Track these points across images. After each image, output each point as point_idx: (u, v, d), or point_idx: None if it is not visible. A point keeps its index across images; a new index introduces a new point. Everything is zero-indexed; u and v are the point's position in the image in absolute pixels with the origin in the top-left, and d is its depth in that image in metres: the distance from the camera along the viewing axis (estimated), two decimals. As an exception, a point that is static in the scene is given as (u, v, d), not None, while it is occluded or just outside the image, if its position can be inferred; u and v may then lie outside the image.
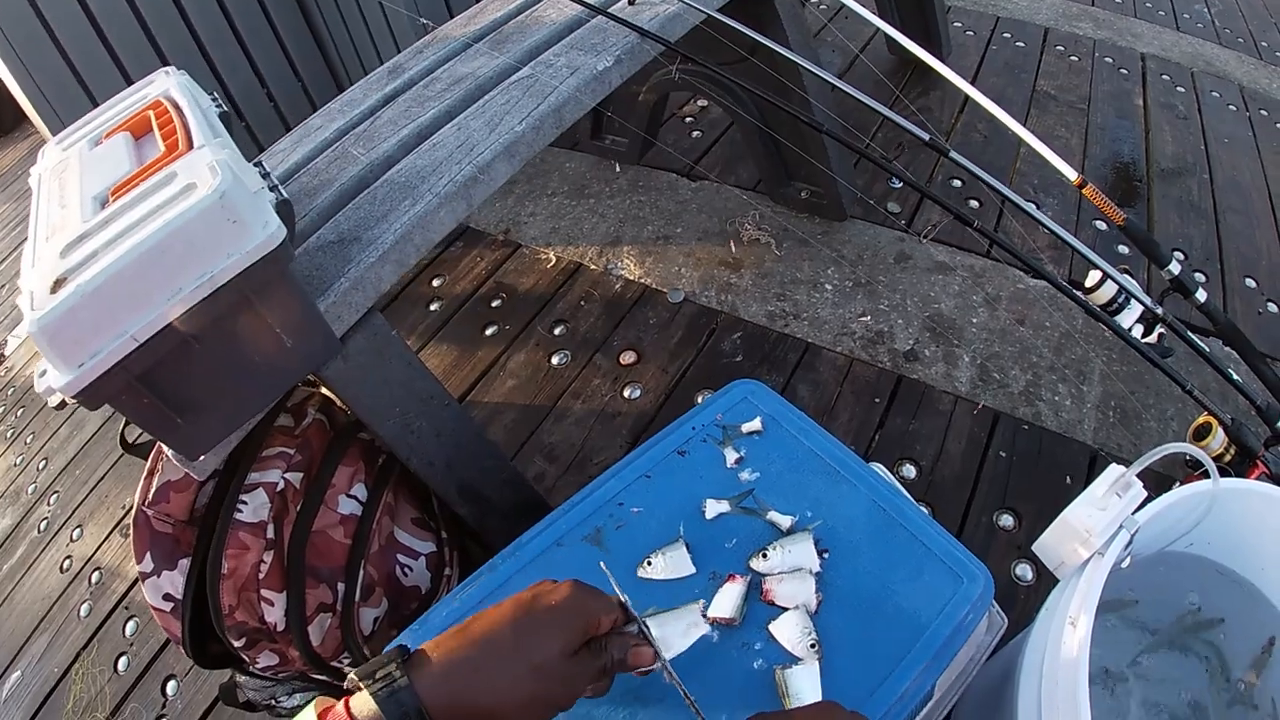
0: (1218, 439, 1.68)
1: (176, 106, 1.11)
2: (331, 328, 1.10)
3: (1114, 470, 1.04)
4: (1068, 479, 1.89)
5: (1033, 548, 1.08)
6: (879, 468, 1.23)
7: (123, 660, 2.01)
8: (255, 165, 1.07)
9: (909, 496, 1.12)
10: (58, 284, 0.85)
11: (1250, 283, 2.52)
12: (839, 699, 0.84)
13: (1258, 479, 1.64)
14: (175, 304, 0.86)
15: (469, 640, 0.70)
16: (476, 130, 1.39)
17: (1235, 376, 1.66)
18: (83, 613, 2.16)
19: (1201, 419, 1.72)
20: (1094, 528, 1.00)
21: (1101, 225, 2.64)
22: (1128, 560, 1.08)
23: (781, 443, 1.12)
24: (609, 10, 1.67)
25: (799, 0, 2.25)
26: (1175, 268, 1.61)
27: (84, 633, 2.11)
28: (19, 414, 3.01)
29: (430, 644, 0.71)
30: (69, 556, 2.34)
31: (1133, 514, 1.03)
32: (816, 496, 1.05)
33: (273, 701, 1.55)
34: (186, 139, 1.01)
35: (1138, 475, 1.01)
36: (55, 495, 2.54)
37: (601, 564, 0.85)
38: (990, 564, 1.67)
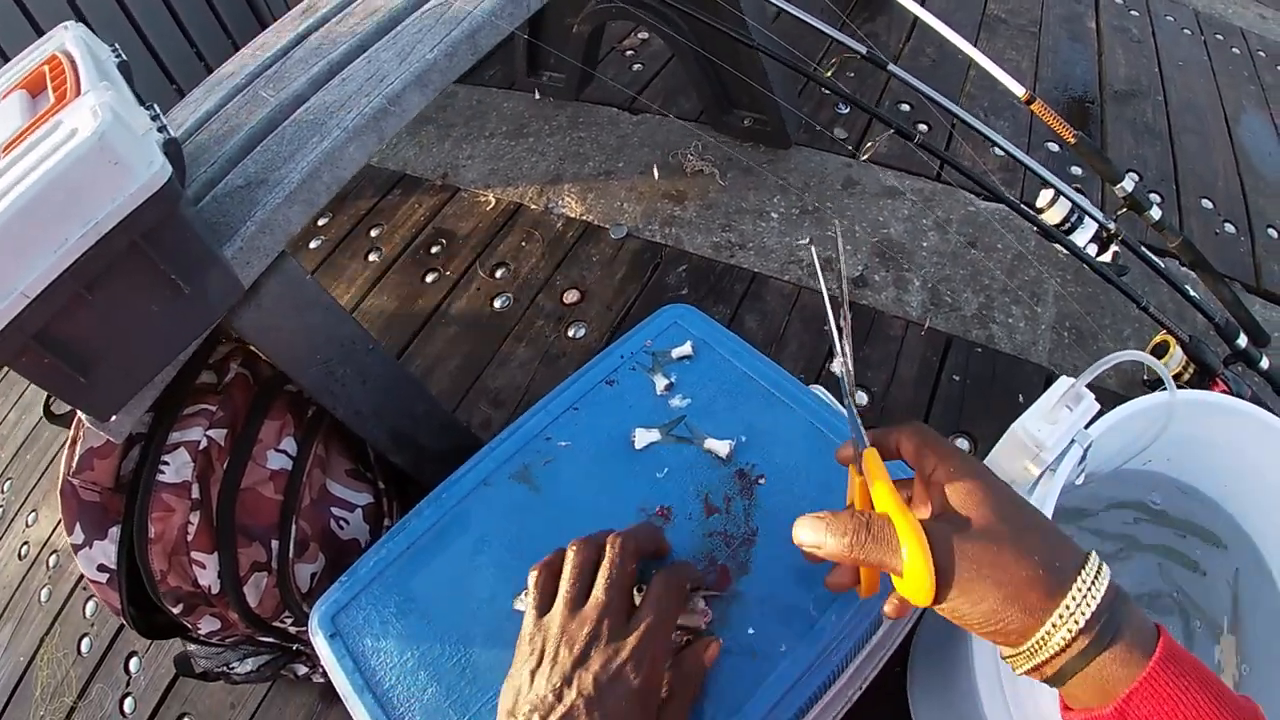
0: (1175, 357, 1.69)
1: (70, 58, 1.08)
2: (238, 274, 1.07)
3: (1064, 382, 1.02)
4: (1022, 400, 1.89)
5: (984, 462, 1.06)
6: (820, 389, 1.22)
7: (85, 641, 1.99)
8: (147, 108, 1.04)
9: (851, 416, 1.12)
10: (-55, 248, 0.82)
11: (1207, 203, 2.53)
12: (783, 630, 0.84)
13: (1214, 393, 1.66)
14: (62, 254, 0.84)
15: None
16: (387, 61, 1.35)
17: (1193, 293, 1.67)
18: (43, 598, 2.13)
19: (1159, 337, 1.73)
20: (1044, 442, 0.99)
21: (1054, 147, 2.63)
22: (1081, 477, 1.07)
23: (714, 367, 1.10)
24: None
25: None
26: (1129, 185, 1.61)
27: (46, 618, 2.09)
28: None
29: None
30: (26, 542, 2.30)
31: (1085, 427, 1.01)
32: (751, 421, 1.03)
33: (226, 669, 1.54)
34: (76, 87, 0.98)
35: (1092, 389, 1.00)
36: (9, 482, 2.50)
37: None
38: (948, 492, 1.68)
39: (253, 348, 1.29)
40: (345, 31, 1.51)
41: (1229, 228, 2.46)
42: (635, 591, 0.78)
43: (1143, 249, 1.60)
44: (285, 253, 1.17)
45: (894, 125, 1.55)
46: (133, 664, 1.90)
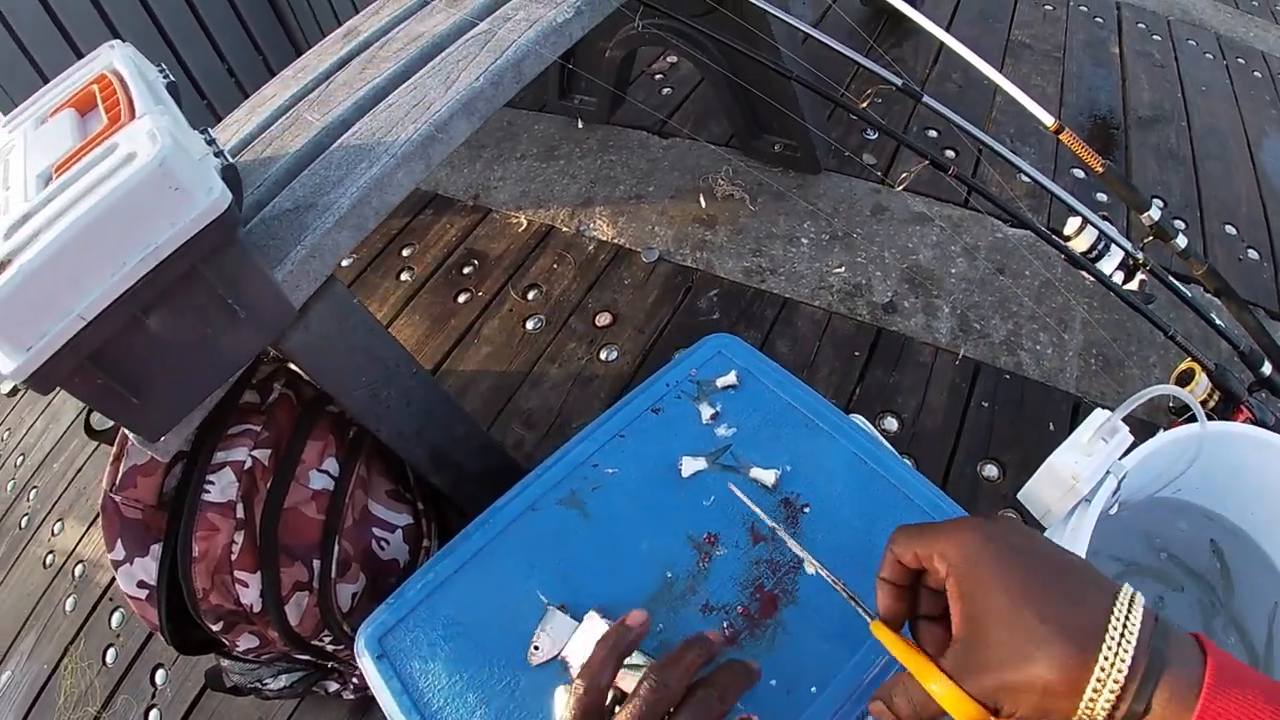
0: (1201, 385, 1.68)
1: (120, 78, 1.08)
2: (289, 297, 1.07)
3: (1099, 415, 1.03)
4: (1050, 427, 1.88)
5: (1018, 496, 1.07)
6: (859, 419, 1.21)
7: (110, 652, 1.99)
8: (201, 132, 1.04)
9: (890, 448, 1.10)
10: (2, 266, 0.82)
11: (1230, 229, 2.52)
12: (823, 654, 0.83)
13: (1242, 424, 1.64)
14: (121, 278, 0.83)
15: None
16: (433, 88, 1.35)
17: (1218, 321, 1.66)
18: (68, 607, 2.14)
19: (1184, 365, 1.72)
20: (1080, 474, 0.99)
21: (1079, 174, 2.63)
22: (1115, 507, 1.07)
23: (758, 397, 1.09)
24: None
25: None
26: (1155, 213, 1.60)
27: (70, 627, 2.09)
28: None
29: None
30: (51, 551, 2.31)
31: (1119, 459, 1.02)
32: (795, 449, 1.02)
33: (259, 684, 1.53)
34: (129, 109, 0.98)
35: (1124, 420, 1.00)
36: (34, 491, 2.51)
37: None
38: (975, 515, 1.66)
39: (298, 370, 1.29)
40: (389, 56, 1.51)
41: (1252, 254, 2.45)
42: None
43: (1169, 278, 1.59)
44: (333, 276, 1.17)
45: (928, 156, 1.55)
46: (159, 676, 1.91)
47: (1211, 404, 1.68)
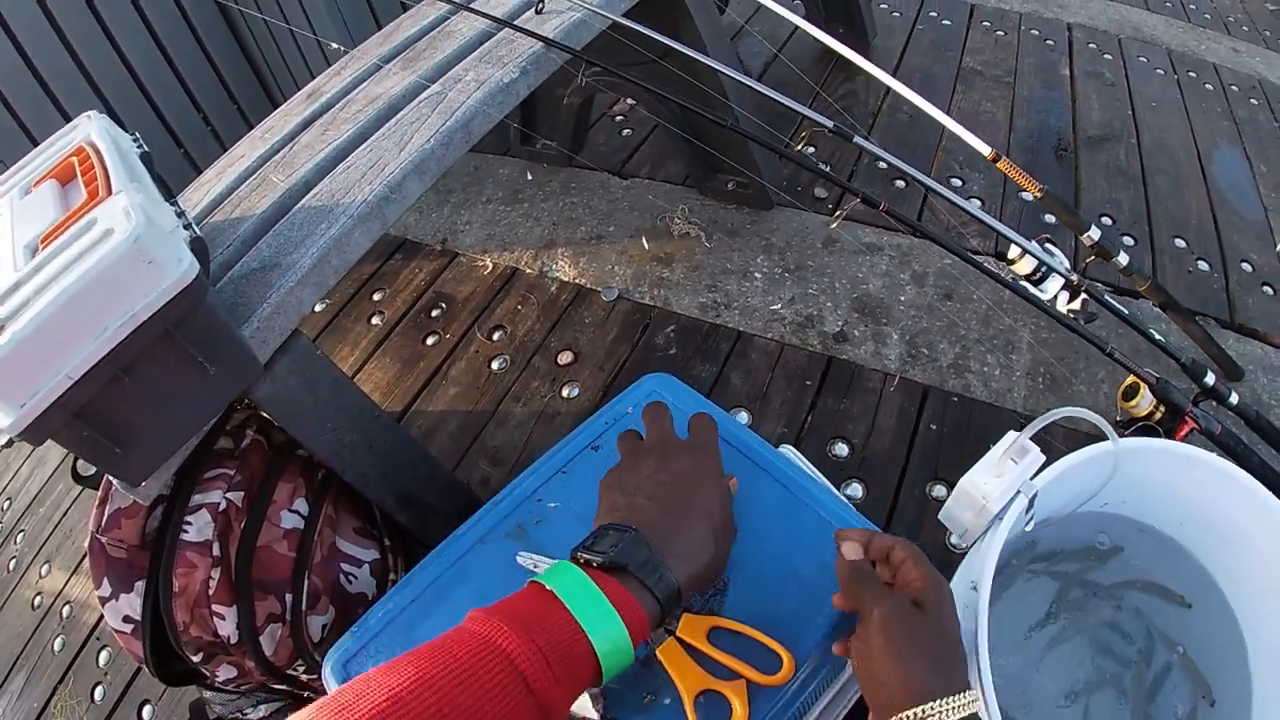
0: (1146, 398, 1.79)
1: (98, 152, 1.20)
2: (255, 352, 1.19)
3: (1009, 436, 1.11)
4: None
5: (939, 516, 1.15)
6: (788, 449, 1.32)
7: (99, 690, 2.07)
8: (171, 204, 1.16)
9: (818, 478, 1.22)
10: (-4, 332, 0.93)
11: (1180, 243, 2.63)
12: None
13: (1188, 434, 1.75)
14: (103, 342, 0.95)
15: (669, 512, 0.90)
16: (387, 150, 1.47)
17: (1157, 336, 1.76)
18: (56, 647, 2.22)
19: (1129, 380, 1.83)
20: (990, 494, 1.06)
21: (1028, 196, 2.75)
22: (1030, 524, 1.14)
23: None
24: (514, 22, 1.76)
25: (714, 2, 2.35)
26: (1095, 233, 1.72)
27: (59, 667, 2.18)
28: None
29: (619, 517, 0.90)
30: (39, 593, 2.39)
31: (1031, 479, 1.09)
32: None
33: (240, 714, 1.63)
34: (106, 184, 1.10)
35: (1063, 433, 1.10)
36: (21, 534, 2.59)
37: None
38: (925, 534, 1.79)
39: (268, 417, 1.40)
40: (348, 118, 1.63)
41: (1202, 265, 2.56)
42: None
43: (1107, 297, 1.70)
44: (298, 331, 1.29)
45: (859, 194, 1.66)
46: (146, 712, 1.99)
47: (1158, 416, 1.80)
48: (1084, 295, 1.68)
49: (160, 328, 0.99)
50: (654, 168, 2.93)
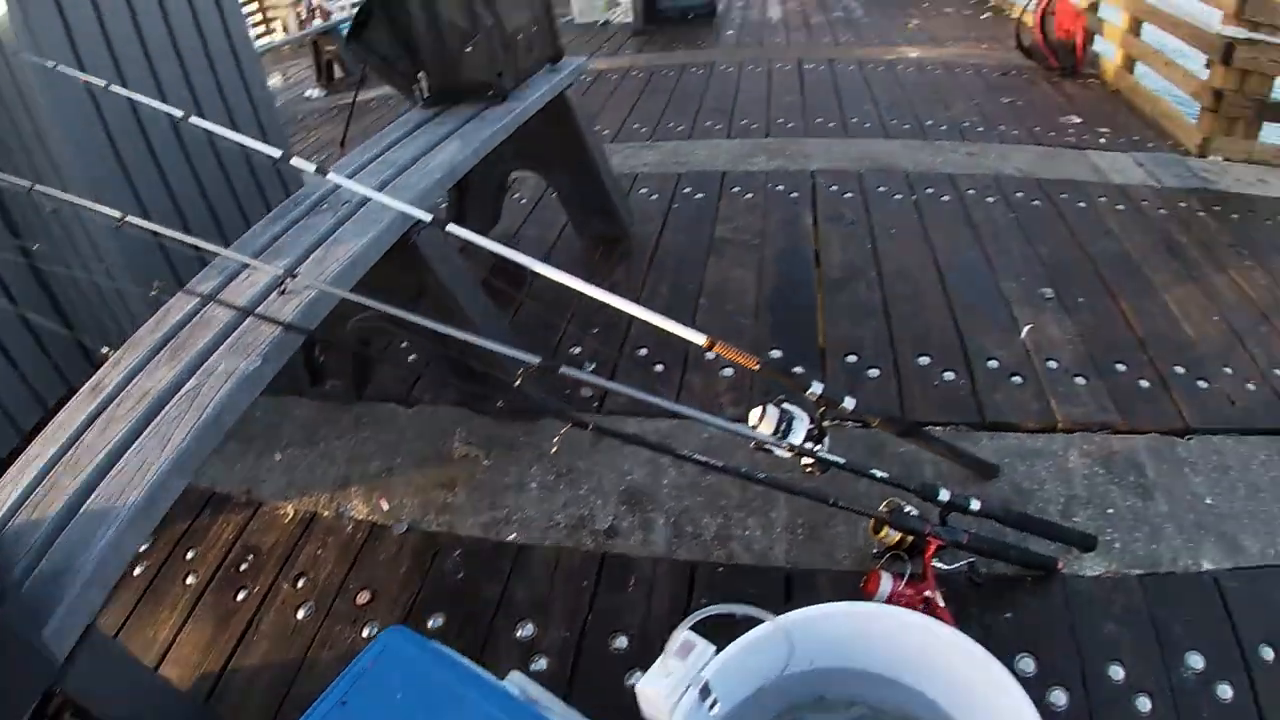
0: (892, 531, 2.06)
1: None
2: (54, 651, 1.39)
3: (676, 636, 1.34)
4: (769, 608, 2.16)
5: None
6: (517, 676, 1.54)
7: None
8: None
9: (546, 700, 1.43)
10: None
11: (924, 360, 2.98)
12: None
13: (936, 552, 2.02)
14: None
15: None
16: (152, 450, 1.72)
17: (879, 474, 2.02)
18: None
19: (871, 520, 2.10)
20: (660, 692, 1.29)
21: (776, 353, 3.06)
22: (716, 708, 1.37)
23: (424, 681, 1.42)
24: (256, 311, 2.02)
25: (454, 248, 2.62)
26: (817, 388, 1.99)
27: None
28: None
29: None
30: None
31: (701, 670, 1.31)
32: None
33: None
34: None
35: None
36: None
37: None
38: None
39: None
40: (123, 415, 1.86)
41: (948, 375, 2.90)
42: None
43: (821, 454, 1.92)
44: (92, 625, 1.51)
45: (571, 418, 1.91)
46: None
47: (909, 541, 2.05)
48: (811, 459, 1.93)
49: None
50: (436, 392, 3.16)
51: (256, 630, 2.46)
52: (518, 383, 1.89)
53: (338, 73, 8.20)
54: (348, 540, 2.66)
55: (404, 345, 3.46)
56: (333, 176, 2.32)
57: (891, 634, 1.52)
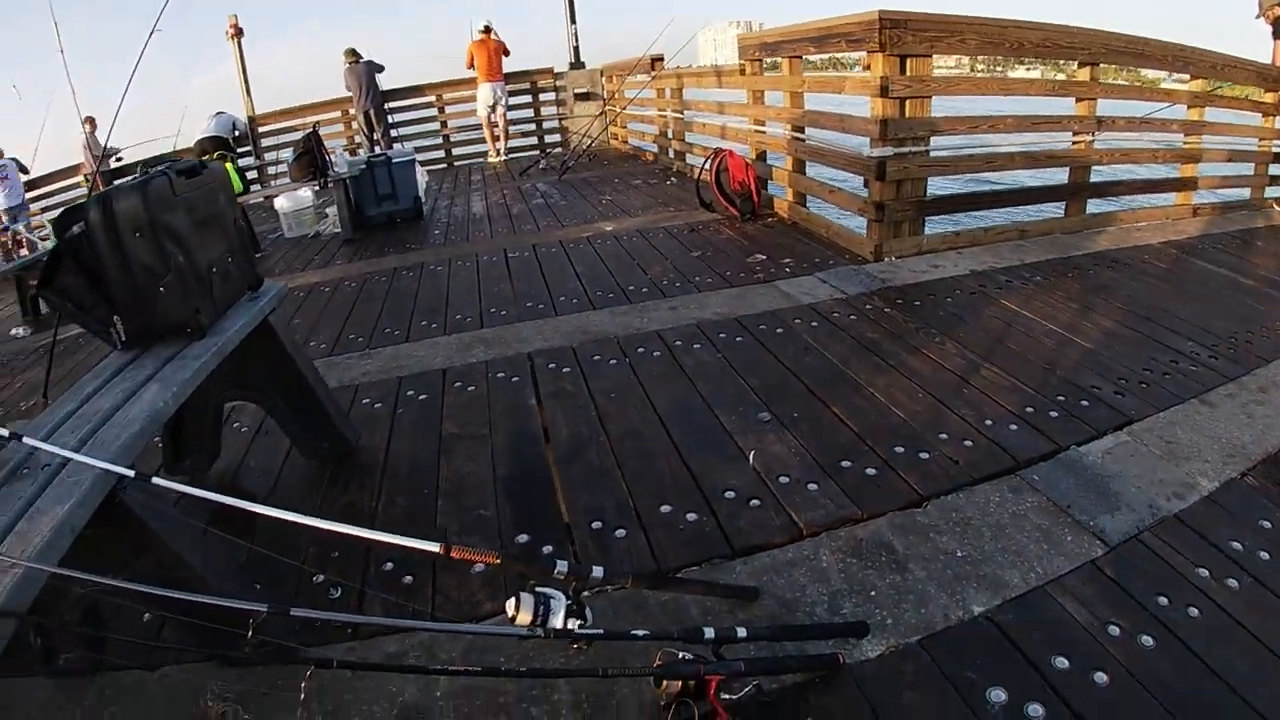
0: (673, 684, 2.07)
1: None
2: None
3: None
4: None
5: None
6: None
7: None
8: None
9: None
10: None
11: (665, 509, 3.04)
12: None
13: (720, 686, 2.06)
14: None
15: None
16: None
17: (639, 633, 2.07)
18: None
19: (650, 677, 2.12)
20: None
21: (524, 537, 3.07)
22: None
23: None
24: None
25: (166, 499, 2.54)
26: (564, 566, 2.00)
27: None
28: None
29: None
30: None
31: None
32: None
33: None
34: None
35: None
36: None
37: None
38: None
39: None
40: None
41: (690, 516, 2.98)
42: None
43: (572, 629, 1.94)
44: None
45: (311, 661, 1.88)
46: None
47: (692, 685, 2.06)
48: (573, 624, 1.95)
49: None
50: (181, 649, 2.85)
51: None
52: (250, 633, 1.86)
53: (44, 308, 7.69)
54: None
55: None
56: (29, 440, 2.19)
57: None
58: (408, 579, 2.93)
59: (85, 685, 2.93)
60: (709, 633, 2.11)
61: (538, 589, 1.98)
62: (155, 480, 2.08)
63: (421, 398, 4.29)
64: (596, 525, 3.07)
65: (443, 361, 4.73)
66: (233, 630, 2.62)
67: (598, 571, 2.10)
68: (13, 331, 7.46)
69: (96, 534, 2.18)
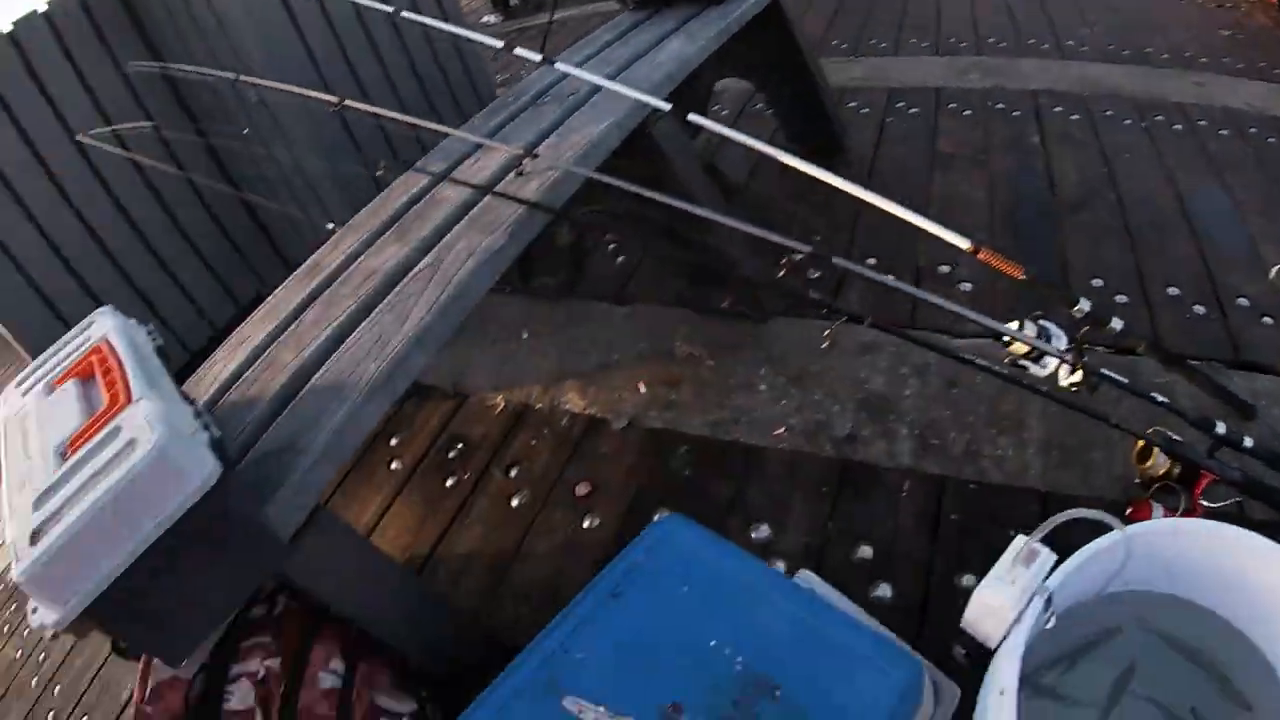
0: (1161, 458, 1.81)
1: (115, 354, 1.28)
2: (279, 532, 1.26)
3: (1017, 543, 1.15)
4: (1022, 529, 1.96)
5: (961, 624, 1.18)
6: (807, 575, 1.35)
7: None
8: (189, 404, 1.24)
9: (837, 600, 1.25)
10: (35, 536, 1.01)
11: (1173, 291, 2.65)
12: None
13: (1210, 485, 1.77)
14: (137, 543, 1.03)
15: None
16: (389, 325, 1.57)
17: (1159, 398, 1.78)
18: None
19: (1139, 444, 1.86)
20: (1005, 602, 1.11)
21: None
22: (1051, 621, 1.16)
23: (707, 573, 1.25)
24: (497, 189, 1.86)
25: (688, 135, 2.46)
26: (1086, 305, 1.74)
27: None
28: (13, 609, 3.11)
29: None
30: (77, 746, 2.43)
31: (1044, 580, 1.13)
32: (743, 620, 1.17)
33: None
34: (126, 389, 1.18)
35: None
36: (58, 687, 2.63)
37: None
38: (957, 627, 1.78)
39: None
40: (349, 294, 1.73)
41: (1199, 309, 2.57)
42: None
43: (1104, 370, 1.68)
44: (320, 505, 1.36)
45: (846, 314, 1.72)
46: None
47: (1176, 473, 1.81)
48: (1081, 369, 1.71)
49: (191, 525, 1.05)
50: (651, 292, 3.00)
51: (468, 515, 2.38)
52: (782, 273, 1.72)
53: (511, -1, 7.97)
54: (564, 433, 2.55)
55: (611, 247, 3.29)
56: (561, 66, 2.12)
57: (1241, 568, 1.29)
58: (888, 278, 2.74)
59: (555, 308, 3.01)
60: (1220, 428, 1.79)
61: (1040, 321, 1.71)
62: (691, 117, 1.95)
63: (912, 111, 3.98)
64: (1097, 283, 2.72)
65: (935, 80, 4.35)
66: (740, 273, 2.58)
67: (1116, 323, 1.79)
68: (484, 19, 7.69)
69: (613, 164, 2.08)
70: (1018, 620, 1.12)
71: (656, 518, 2.14)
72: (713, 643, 1.15)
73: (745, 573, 1.24)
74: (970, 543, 1.99)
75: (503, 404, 2.74)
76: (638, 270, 3.15)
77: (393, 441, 2.75)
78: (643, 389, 2.62)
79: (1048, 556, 1.16)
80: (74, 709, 2.54)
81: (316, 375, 1.53)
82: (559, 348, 2.88)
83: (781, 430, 2.36)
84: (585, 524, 2.25)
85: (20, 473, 1.14)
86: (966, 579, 1.90)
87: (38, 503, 1.05)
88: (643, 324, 2.88)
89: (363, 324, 1.62)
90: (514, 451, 2.55)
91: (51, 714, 2.58)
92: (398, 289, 1.68)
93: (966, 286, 2.72)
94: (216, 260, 3.25)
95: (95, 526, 1.00)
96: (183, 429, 1.10)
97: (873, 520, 2.08)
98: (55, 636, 1.06)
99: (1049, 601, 1.14)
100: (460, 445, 2.64)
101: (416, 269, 1.72)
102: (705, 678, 1.11)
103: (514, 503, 2.37)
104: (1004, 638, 1.13)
